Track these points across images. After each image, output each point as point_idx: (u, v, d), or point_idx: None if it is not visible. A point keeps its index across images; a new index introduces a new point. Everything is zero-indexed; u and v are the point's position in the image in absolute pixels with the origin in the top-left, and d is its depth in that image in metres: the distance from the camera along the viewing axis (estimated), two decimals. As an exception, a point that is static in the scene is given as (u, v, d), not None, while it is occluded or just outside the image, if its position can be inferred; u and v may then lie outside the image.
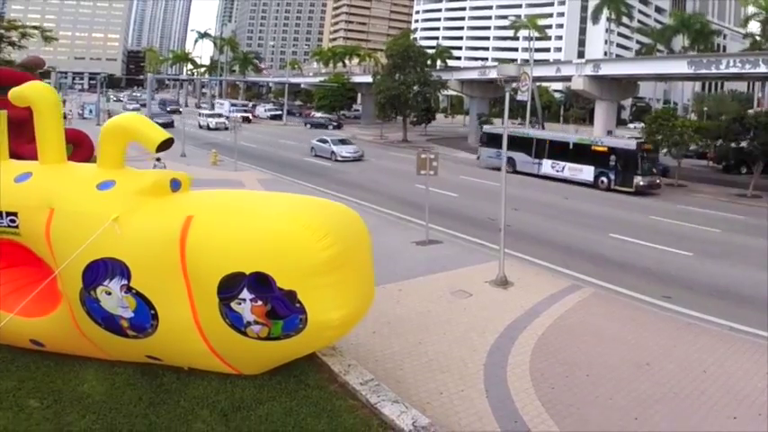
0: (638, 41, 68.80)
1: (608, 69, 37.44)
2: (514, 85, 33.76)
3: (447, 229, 17.48)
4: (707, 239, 18.55)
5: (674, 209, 23.74)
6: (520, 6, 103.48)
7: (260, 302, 5.65)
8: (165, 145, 6.58)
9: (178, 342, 6.25)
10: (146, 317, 6.02)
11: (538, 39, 53.62)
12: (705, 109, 39.13)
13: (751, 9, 40.81)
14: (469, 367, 8.37)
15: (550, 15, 73.73)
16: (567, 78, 40.53)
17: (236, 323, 5.80)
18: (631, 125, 65.70)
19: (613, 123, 40.43)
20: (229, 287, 5.66)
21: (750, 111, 35.71)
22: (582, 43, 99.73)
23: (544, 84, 62.36)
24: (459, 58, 61.52)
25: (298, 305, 5.67)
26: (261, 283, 5.60)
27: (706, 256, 16.24)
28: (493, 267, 12.86)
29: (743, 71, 28.39)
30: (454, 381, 7.88)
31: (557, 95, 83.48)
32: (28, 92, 6.98)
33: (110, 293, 5.98)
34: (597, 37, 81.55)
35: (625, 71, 37.90)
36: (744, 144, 26.11)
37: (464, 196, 24.27)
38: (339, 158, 34.94)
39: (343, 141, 37.96)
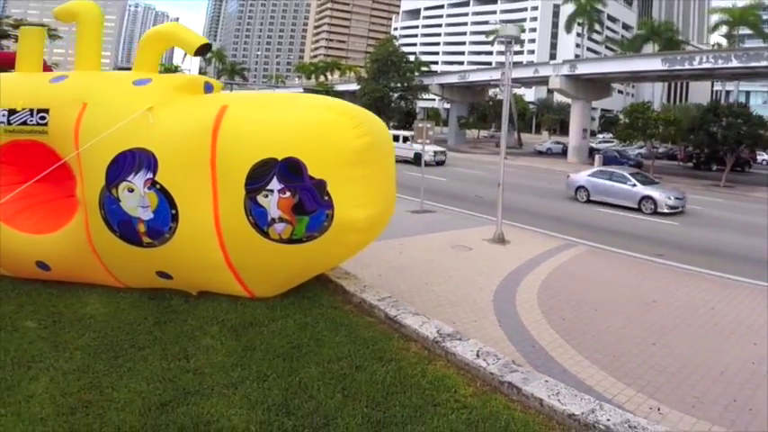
0: (608, 47, 70.03)
1: (584, 69, 37.94)
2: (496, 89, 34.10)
3: (438, 204, 17.39)
4: (691, 213, 18.74)
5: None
6: (494, 13, 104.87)
7: (288, 194, 5.36)
8: (204, 49, 6.49)
9: (194, 250, 5.85)
10: (165, 218, 5.66)
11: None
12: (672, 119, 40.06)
13: (715, 18, 41.94)
14: (479, 303, 8.21)
15: (524, 20, 74.75)
16: (545, 80, 40.94)
17: (260, 220, 5.48)
18: (600, 135, 66.63)
19: (588, 122, 40.98)
20: (259, 176, 5.37)
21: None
22: (554, 47, 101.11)
23: (518, 92, 63.08)
24: (435, 72, 62.26)
25: (326, 198, 5.40)
26: (292, 171, 5.33)
27: (692, 225, 16.40)
28: (487, 230, 12.97)
29: (716, 66, 28.90)
30: (465, 313, 7.70)
31: (530, 107, 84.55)
32: (74, 7, 6.90)
33: (132, 190, 5.63)
34: (569, 43, 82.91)
35: (601, 69, 38.38)
36: (718, 131, 26.50)
37: (452, 181, 24.62)
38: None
39: None
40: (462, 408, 4.24)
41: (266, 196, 5.38)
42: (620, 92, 62.09)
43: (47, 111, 6.16)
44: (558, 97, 70.07)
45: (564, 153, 45.11)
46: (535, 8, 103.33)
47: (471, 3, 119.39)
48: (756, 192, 26.06)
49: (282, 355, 4.98)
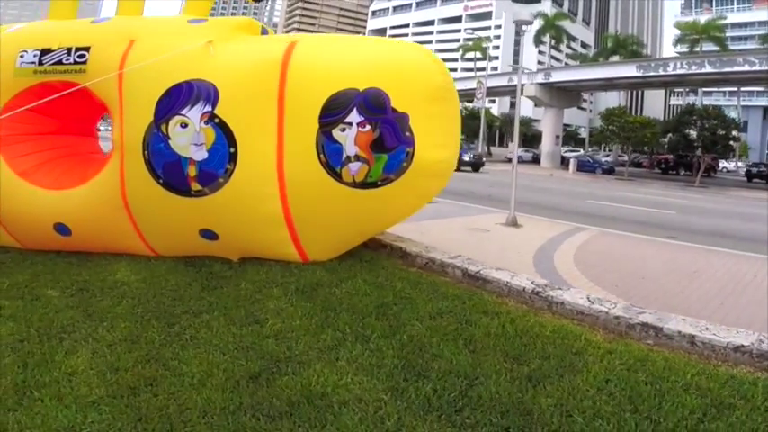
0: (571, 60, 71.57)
1: (559, 76, 38.33)
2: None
3: (439, 198, 16.82)
4: (681, 205, 18.69)
5: (638, 189, 24.02)
6: (459, 20, 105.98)
7: (368, 128, 4.66)
8: None
9: (250, 200, 5.03)
10: (222, 158, 4.84)
11: (479, 59, 54.78)
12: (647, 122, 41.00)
13: (676, 33, 43.04)
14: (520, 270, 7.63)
15: (488, 38, 75.73)
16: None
17: (333, 158, 4.76)
18: (563, 147, 68.04)
19: (560, 129, 41.40)
20: (336, 108, 4.67)
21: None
22: (516, 63, 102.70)
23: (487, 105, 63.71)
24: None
25: (407, 134, 4.75)
26: (373, 103, 4.67)
27: (688, 214, 16.25)
28: (495, 217, 12.43)
29: (689, 72, 29.22)
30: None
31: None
32: None
33: (186, 125, 4.81)
34: (531, 60, 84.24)
35: (575, 77, 38.75)
36: (693, 133, 26.89)
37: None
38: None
39: None
40: (607, 353, 3.60)
41: (343, 130, 4.67)
42: (581, 108, 63.58)
43: (87, 49, 5.36)
44: (522, 111, 70.89)
45: (534, 161, 45.54)
46: (498, 26, 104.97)
47: (436, 22, 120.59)
48: (730, 191, 26.54)
49: (372, 314, 4.20)
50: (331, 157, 4.74)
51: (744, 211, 17.92)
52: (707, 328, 3.71)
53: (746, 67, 26.35)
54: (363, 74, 4.74)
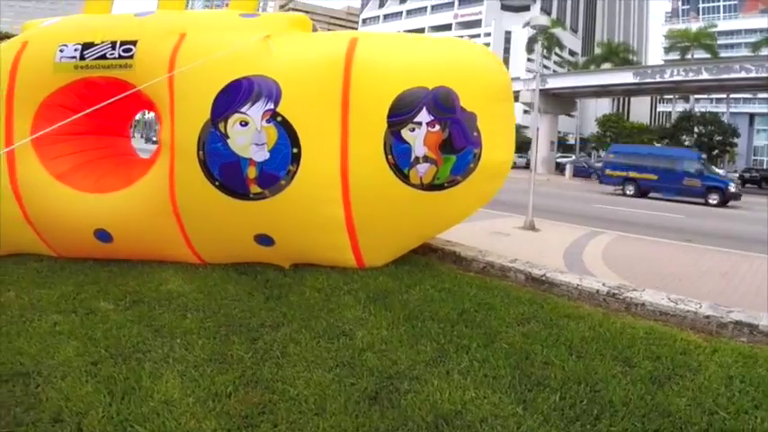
0: (560, 68, 72.12)
1: (555, 83, 38.47)
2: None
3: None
4: (687, 210, 18.71)
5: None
6: (450, 28, 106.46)
7: (437, 127, 4.51)
8: None
9: (311, 203, 4.79)
10: (284, 159, 4.60)
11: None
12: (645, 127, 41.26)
13: (665, 42, 43.40)
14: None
15: (478, 36, 75.90)
16: (515, 95, 41.24)
17: (402, 159, 4.58)
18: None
19: (555, 135, 41.55)
20: (405, 108, 4.50)
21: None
22: (507, 61, 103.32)
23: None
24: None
25: (475, 134, 4.60)
26: (443, 102, 4.51)
27: (697, 217, 16.28)
28: (510, 221, 12.24)
29: (686, 78, 29.39)
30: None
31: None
32: None
33: (246, 124, 4.56)
34: (520, 66, 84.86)
35: (571, 83, 38.92)
36: (690, 139, 27.10)
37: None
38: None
39: None
40: (712, 351, 3.50)
41: (412, 130, 4.50)
42: (569, 115, 64.15)
43: (133, 42, 5.04)
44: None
45: (526, 166, 45.61)
46: (488, 34, 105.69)
47: (427, 30, 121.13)
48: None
49: (459, 322, 3.98)
50: (399, 157, 4.56)
51: (750, 216, 18.02)
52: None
53: (743, 74, 26.65)
54: (431, 72, 4.58)
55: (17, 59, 5.30)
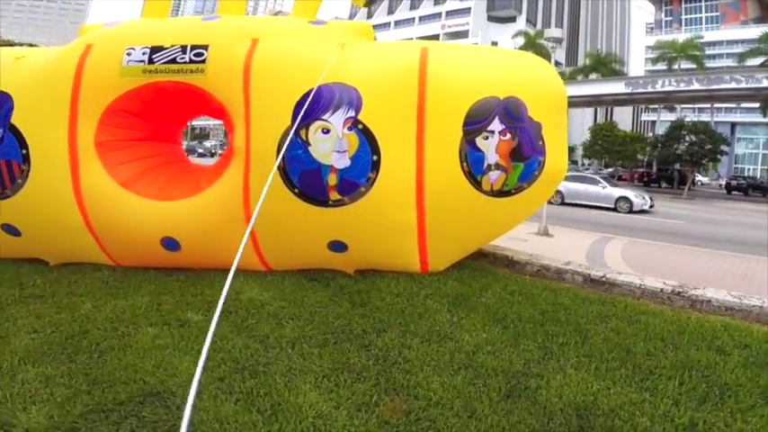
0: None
1: (547, 93, 38.63)
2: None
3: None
4: (685, 215, 19.08)
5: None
6: (437, 39, 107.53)
7: (508, 136, 4.72)
8: None
9: (387, 209, 4.86)
10: (364, 166, 4.69)
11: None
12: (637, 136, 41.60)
13: (646, 52, 43.92)
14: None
15: (467, 44, 76.94)
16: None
17: (475, 167, 4.77)
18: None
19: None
20: (479, 116, 4.68)
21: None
22: None
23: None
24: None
25: (540, 143, 4.81)
26: (513, 112, 4.71)
27: (696, 222, 16.61)
28: (526, 227, 12.28)
29: (677, 89, 30.04)
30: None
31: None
32: None
33: (327, 131, 4.65)
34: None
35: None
36: (682, 148, 27.68)
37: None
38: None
39: None
40: None
41: (486, 138, 4.69)
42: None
43: (205, 47, 4.98)
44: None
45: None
46: (475, 44, 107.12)
47: (414, 40, 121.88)
48: (717, 202, 27.25)
49: (546, 323, 4.13)
50: (473, 165, 4.73)
51: (745, 221, 18.43)
52: None
53: (734, 85, 27.42)
54: (502, 82, 4.76)
55: (81, 62, 5.15)
